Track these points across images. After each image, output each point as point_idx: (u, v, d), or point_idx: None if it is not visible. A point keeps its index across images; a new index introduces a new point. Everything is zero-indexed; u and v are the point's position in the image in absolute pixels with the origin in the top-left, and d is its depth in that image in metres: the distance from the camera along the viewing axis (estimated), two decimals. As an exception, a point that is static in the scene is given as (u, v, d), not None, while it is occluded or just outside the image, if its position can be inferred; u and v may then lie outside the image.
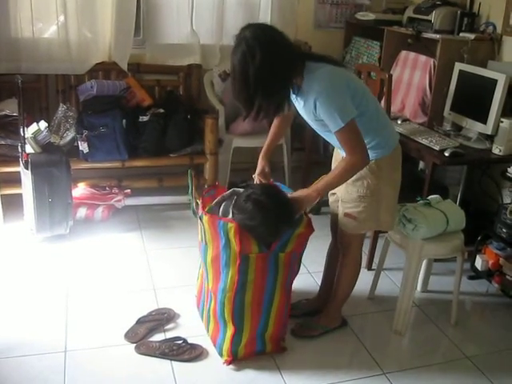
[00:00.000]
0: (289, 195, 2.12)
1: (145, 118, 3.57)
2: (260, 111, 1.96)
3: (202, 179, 3.74)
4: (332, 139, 2.13)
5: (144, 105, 3.73)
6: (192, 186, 2.29)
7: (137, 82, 3.80)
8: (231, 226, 2.06)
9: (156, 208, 3.81)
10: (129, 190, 3.67)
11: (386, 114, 2.30)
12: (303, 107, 2.08)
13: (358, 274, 2.50)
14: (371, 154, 2.09)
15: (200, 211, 2.23)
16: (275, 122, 2.41)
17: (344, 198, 2.27)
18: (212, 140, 3.65)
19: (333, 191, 2.43)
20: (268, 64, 1.87)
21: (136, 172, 3.75)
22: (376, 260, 3.02)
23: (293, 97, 2.09)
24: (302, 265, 2.40)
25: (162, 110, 3.65)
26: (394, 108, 3.36)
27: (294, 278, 2.32)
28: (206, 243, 2.23)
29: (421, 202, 2.65)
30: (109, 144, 3.46)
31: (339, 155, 2.33)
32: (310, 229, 2.19)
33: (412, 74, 3.57)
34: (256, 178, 2.35)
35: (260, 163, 2.39)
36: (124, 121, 3.49)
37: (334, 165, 2.41)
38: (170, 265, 3.12)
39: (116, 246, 3.31)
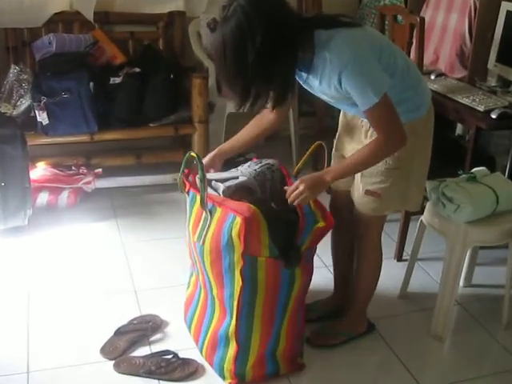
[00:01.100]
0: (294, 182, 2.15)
1: (117, 80, 3.58)
2: (258, 100, 1.97)
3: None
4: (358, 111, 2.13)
5: (115, 63, 3.74)
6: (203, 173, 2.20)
7: (106, 36, 3.79)
8: (238, 220, 2.05)
9: (134, 191, 3.82)
10: (100, 170, 3.67)
11: (416, 67, 2.32)
12: (319, 86, 2.09)
13: (381, 265, 2.52)
14: (405, 116, 2.12)
15: (209, 201, 2.19)
16: (254, 120, 2.39)
17: (367, 171, 2.26)
18: (201, 105, 3.66)
19: (342, 153, 2.43)
20: (272, 40, 1.86)
21: (108, 147, 3.76)
22: (408, 249, 3.02)
23: (302, 77, 2.09)
24: (317, 258, 2.41)
25: (137, 70, 3.66)
26: (426, 60, 3.32)
27: (310, 281, 2.33)
28: (203, 242, 2.20)
29: (463, 176, 2.64)
30: (73, 113, 3.46)
31: (351, 119, 2.34)
32: (330, 222, 2.21)
33: (447, 17, 3.53)
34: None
35: (209, 161, 2.36)
36: (91, 84, 3.49)
37: (341, 131, 2.43)
38: (153, 261, 3.12)
39: (86, 238, 3.31)
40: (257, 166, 2.38)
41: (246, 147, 2.44)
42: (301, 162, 2.33)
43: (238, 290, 2.16)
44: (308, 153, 2.32)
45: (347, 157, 2.20)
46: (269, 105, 2.07)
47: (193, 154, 2.20)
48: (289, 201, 2.13)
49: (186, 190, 2.32)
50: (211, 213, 2.18)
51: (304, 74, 2.08)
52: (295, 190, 2.11)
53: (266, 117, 2.36)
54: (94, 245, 3.25)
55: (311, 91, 2.18)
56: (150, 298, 2.81)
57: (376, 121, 2.05)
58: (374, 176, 2.28)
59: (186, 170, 2.33)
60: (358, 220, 2.41)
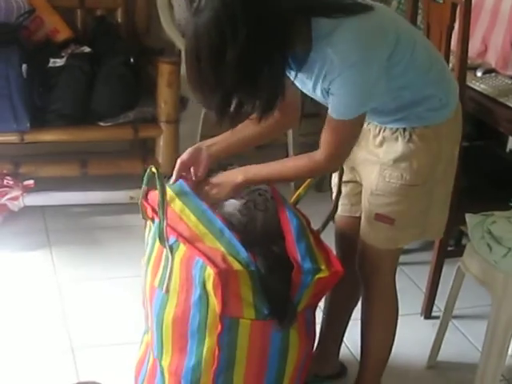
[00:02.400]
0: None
1: (58, 62, 3.56)
2: (239, 110, 2.02)
3: (151, 163, 3.68)
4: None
5: (57, 40, 3.74)
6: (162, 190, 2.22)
7: (46, 2, 3.79)
8: (210, 273, 2.03)
9: (76, 211, 3.82)
10: (31, 182, 3.64)
11: (441, 57, 2.41)
12: (313, 87, 2.13)
13: (397, 318, 2.49)
14: (427, 117, 2.19)
15: (169, 234, 2.18)
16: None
17: (377, 188, 2.29)
18: (170, 99, 3.65)
19: (350, 179, 2.47)
20: (259, 33, 1.88)
21: (43, 151, 3.79)
22: (439, 302, 3.02)
23: (290, 75, 2.13)
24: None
25: (87, 49, 3.67)
26: (472, 51, 3.31)
27: (312, 349, 2.34)
28: (167, 290, 2.21)
29: None
30: (-1, 105, 3.45)
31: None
32: (337, 271, 2.16)
33: None
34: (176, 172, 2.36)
35: (190, 156, 2.37)
36: (24, 66, 3.48)
37: None
38: (97, 308, 3.09)
39: (9, 273, 3.29)
40: (243, 193, 2.34)
41: (238, 152, 2.45)
42: (302, 187, 2.38)
43: (212, 361, 2.14)
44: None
45: (276, 161, 2.26)
46: (253, 116, 2.12)
47: (153, 169, 2.21)
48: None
49: (150, 216, 2.30)
50: (172, 250, 2.17)
51: (293, 72, 2.10)
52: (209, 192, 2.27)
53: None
54: (20, 282, 3.22)
55: (303, 89, 2.23)
56: (92, 359, 2.79)
57: (335, 135, 2.09)
58: (387, 195, 2.27)
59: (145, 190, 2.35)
60: (365, 256, 2.40)
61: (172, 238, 2.17)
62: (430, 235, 2.47)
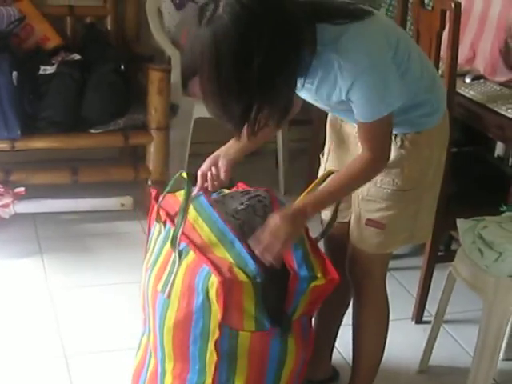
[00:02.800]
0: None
1: (49, 70, 3.55)
2: (257, 121, 1.97)
3: (141, 171, 3.75)
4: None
5: (48, 47, 3.74)
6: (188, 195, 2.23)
7: (36, 10, 3.80)
8: (214, 281, 2.02)
9: (67, 218, 3.80)
10: (22, 189, 3.62)
11: (431, 62, 2.43)
12: (315, 92, 2.13)
13: (388, 322, 2.49)
14: (421, 123, 2.21)
15: (181, 239, 2.17)
16: None
17: (369, 194, 2.30)
18: (160, 107, 3.66)
19: None
20: (281, 39, 1.85)
21: (34, 159, 3.78)
22: (430, 307, 3.01)
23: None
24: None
25: (77, 57, 3.66)
26: (460, 57, 3.31)
27: (309, 355, 2.30)
28: (168, 296, 2.19)
29: (508, 213, 2.62)
30: (-12, 113, 3.46)
31: (343, 126, 2.40)
32: (333, 278, 2.14)
33: (487, 2, 3.48)
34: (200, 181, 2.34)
35: (210, 162, 2.36)
36: (14, 73, 3.46)
37: (333, 143, 2.48)
38: (90, 314, 3.07)
39: (0, 279, 3.26)
40: (244, 198, 2.34)
41: (251, 151, 2.47)
42: (304, 193, 2.31)
43: (213, 367, 2.14)
44: (315, 183, 2.31)
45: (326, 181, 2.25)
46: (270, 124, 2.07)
47: (184, 174, 2.22)
48: (258, 252, 2.08)
49: (162, 220, 2.30)
50: (180, 255, 2.16)
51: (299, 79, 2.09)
52: (269, 234, 2.08)
53: None
54: (11, 290, 3.19)
55: (305, 97, 2.23)
56: (85, 366, 2.76)
57: (371, 136, 2.11)
58: (379, 201, 2.29)
59: (154, 193, 2.36)
60: (355, 260, 2.40)
61: (183, 244, 2.17)
62: (417, 239, 2.48)
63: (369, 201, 2.29)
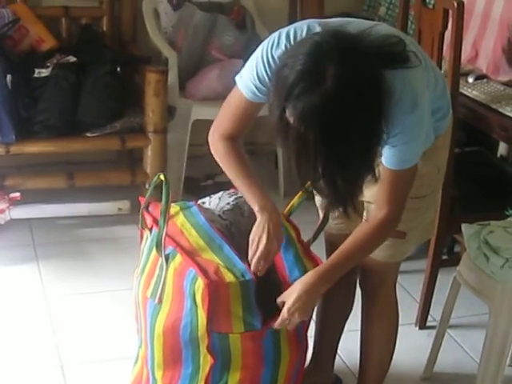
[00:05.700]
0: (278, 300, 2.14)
1: (44, 72, 3.56)
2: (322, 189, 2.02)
3: (139, 174, 3.75)
4: None
5: (42, 49, 3.74)
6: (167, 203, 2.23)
7: (31, 12, 3.80)
8: (200, 284, 2.04)
9: (63, 223, 3.79)
10: (17, 194, 3.62)
11: (434, 63, 2.41)
12: None
13: (397, 332, 2.50)
14: (438, 126, 2.20)
15: (168, 244, 2.17)
16: (230, 147, 2.28)
17: None
18: (157, 109, 3.65)
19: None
20: (379, 105, 1.86)
21: (30, 163, 3.79)
22: (434, 312, 3.02)
23: None
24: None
25: (72, 59, 3.65)
26: (462, 57, 3.29)
27: (304, 359, 2.32)
28: (159, 301, 2.20)
29: None
30: (-18, 116, 3.46)
31: None
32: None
33: (490, 0, 3.46)
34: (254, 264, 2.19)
35: (268, 230, 2.19)
36: (8, 77, 3.47)
37: None
38: (86, 322, 3.06)
39: None
40: (231, 199, 2.35)
41: None
42: (296, 197, 2.32)
43: (207, 370, 2.15)
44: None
45: (339, 247, 2.17)
46: None
47: (161, 176, 2.21)
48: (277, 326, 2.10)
49: (149, 226, 2.30)
50: (167, 259, 2.16)
51: None
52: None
53: (231, 144, 2.27)
54: (7, 297, 3.18)
55: None
56: (82, 376, 2.75)
57: (394, 185, 2.09)
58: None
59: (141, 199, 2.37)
60: (371, 270, 2.38)
61: (170, 248, 2.17)
62: (425, 237, 2.49)
63: None
